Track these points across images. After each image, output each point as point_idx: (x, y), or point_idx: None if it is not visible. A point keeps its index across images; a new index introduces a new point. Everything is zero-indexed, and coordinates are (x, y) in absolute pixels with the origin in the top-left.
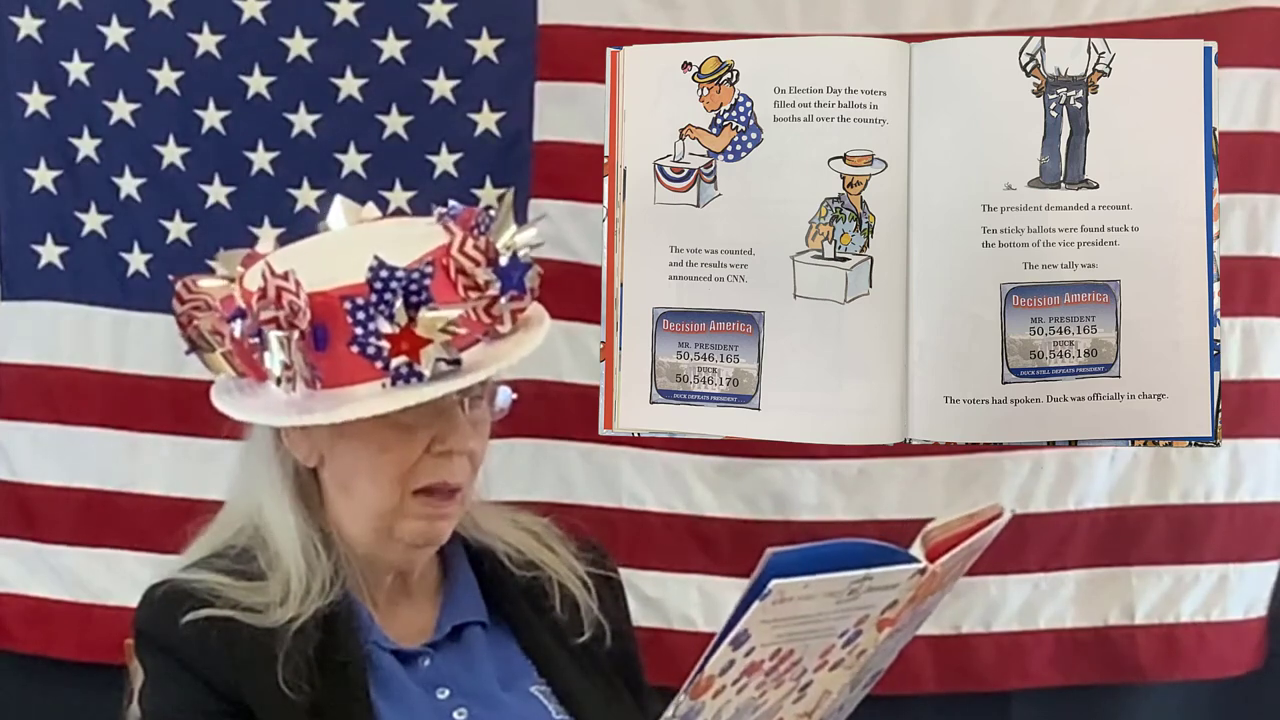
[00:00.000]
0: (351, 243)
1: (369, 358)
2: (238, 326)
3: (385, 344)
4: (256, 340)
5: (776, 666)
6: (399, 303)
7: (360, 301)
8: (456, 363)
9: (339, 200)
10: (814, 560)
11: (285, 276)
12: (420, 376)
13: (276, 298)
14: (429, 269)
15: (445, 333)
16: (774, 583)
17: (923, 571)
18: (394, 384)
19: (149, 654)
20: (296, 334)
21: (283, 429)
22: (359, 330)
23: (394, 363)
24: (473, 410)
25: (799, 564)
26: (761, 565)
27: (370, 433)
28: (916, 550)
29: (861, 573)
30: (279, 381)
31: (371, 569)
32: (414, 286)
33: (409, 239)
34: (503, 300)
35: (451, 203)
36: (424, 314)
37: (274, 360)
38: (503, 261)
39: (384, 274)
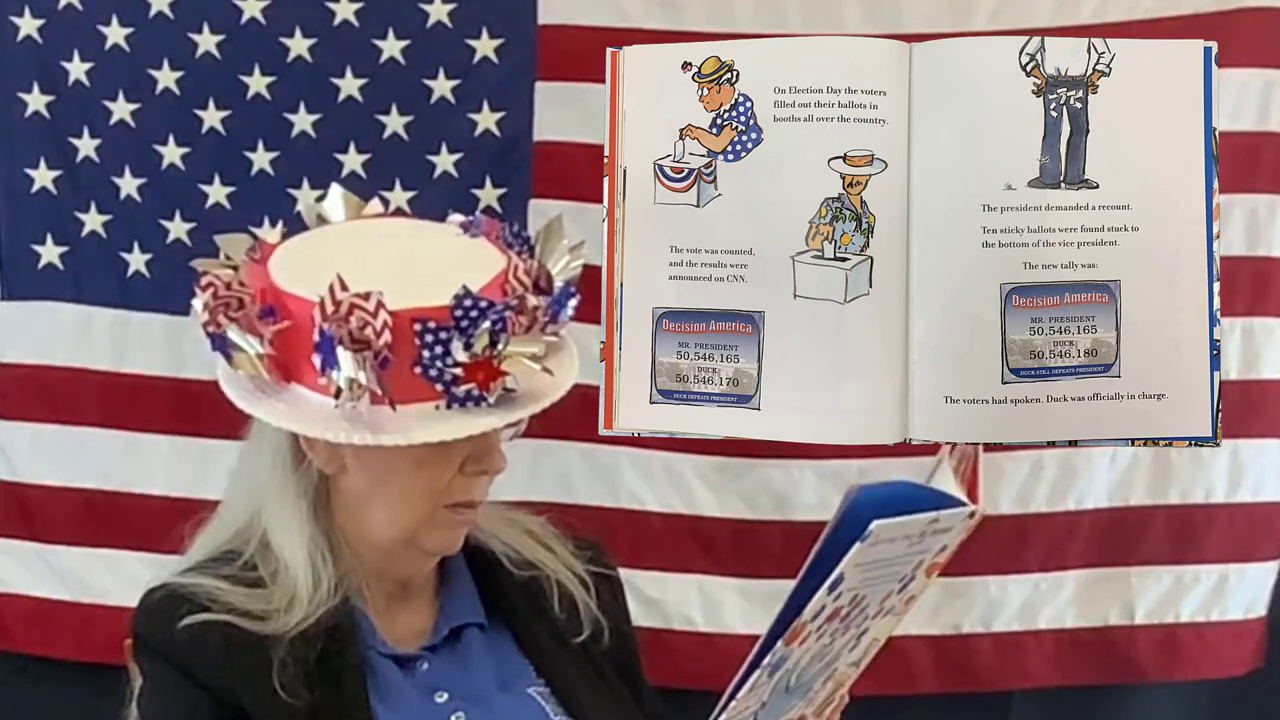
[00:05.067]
0: (405, 256)
1: (430, 380)
2: (269, 331)
3: (456, 370)
4: (320, 358)
5: (850, 613)
6: (482, 334)
7: (433, 325)
8: (511, 390)
9: (336, 191)
10: (887, 500)
11: (366, 296)
12: (479, 402)
13: (348, 313)
14: (514, 303)
15: (525, 366)
16: (876, 524)
17: (971, 515)
18: (449, 406)
19: (146, 658)
20: (369, 353)
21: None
22: (426, 353)
23: (458, 389)
24: (499, 430)
25: (880, 502)
26: (848, 502)
27: (407, 450)
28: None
29: (932, 515)
30: (339, 394)
31: (376, 575)
32: (497, 318)
33: (464, 257)
34: (549, 326)
35: (477, 214)
36: (504, 347)
37: (341, 376)
38: (555, 288)
39: (468, 303)
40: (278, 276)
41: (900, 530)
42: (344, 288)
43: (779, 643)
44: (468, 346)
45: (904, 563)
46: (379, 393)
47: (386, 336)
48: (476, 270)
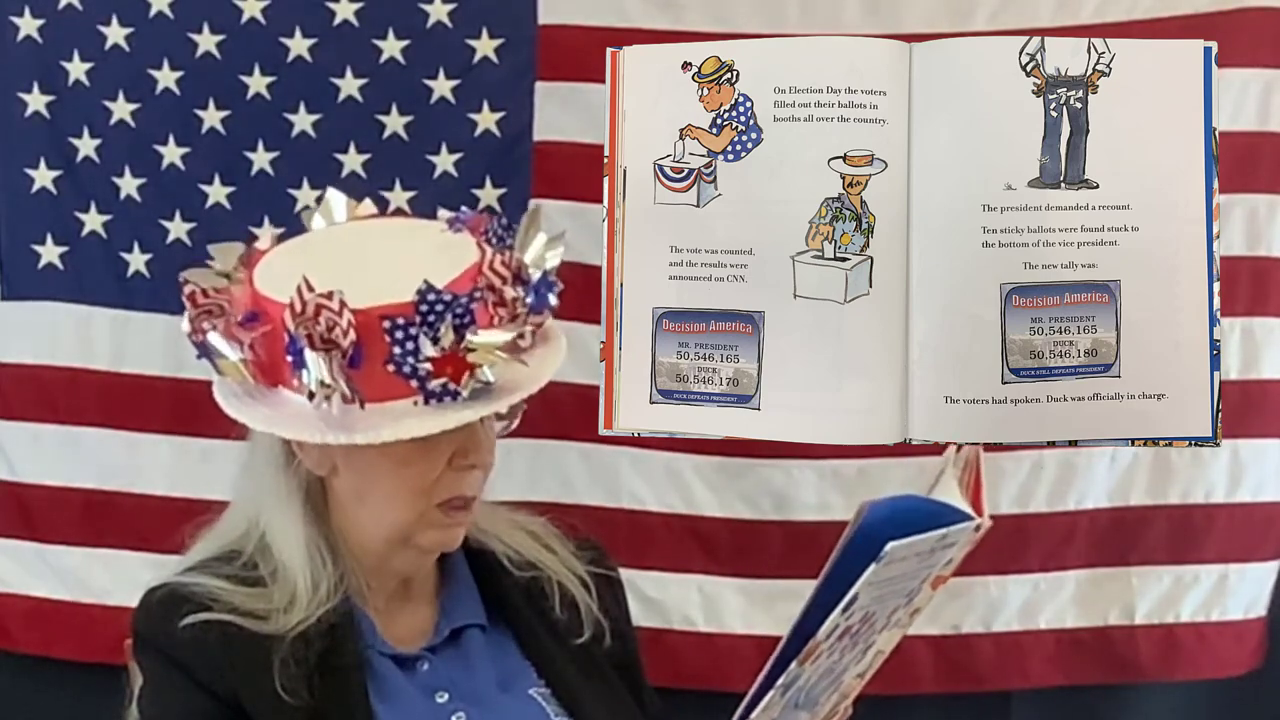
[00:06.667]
0: (378, 254)
1: (404, 376)
2: (249, 337)
3: (427, 366)
4: (291, 359)
5: (859, 629)
6: (446, 328)
7: (401, 322)
8: (488, 383)
9: (334, 194)
10: (897, 517)
11: (329, 296)
12: (455, 396)
13: (315, 314)
14: (478, 294)
15: (494, 357)
16: (890, 545)
17: (978, 528)
18: (426, 402)
19: (147, 657)
20: (337, 353)
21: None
22: (397, 350)
23: (432, 384)
24: (489, 424)
25: (890, 519)
26: (858, 521)
27: (391, 447)
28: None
29: (942, 532)
30: (311, 396)
31: (376, 575)
32: (461, 311)
33: (438, 252)
34: (530, 317)
35: (463, 209)
36: (471, 338)
37: (311, 378)
38: (532, 278)
39: (431, 297)
40: (259, 281)
41: (912, 549)
42: (310, 289)
43: (793, 663)
44: (435, 341)
45: (912, 578)
46: (348, 393)
47: (352, 336)
48: (449, 264)
